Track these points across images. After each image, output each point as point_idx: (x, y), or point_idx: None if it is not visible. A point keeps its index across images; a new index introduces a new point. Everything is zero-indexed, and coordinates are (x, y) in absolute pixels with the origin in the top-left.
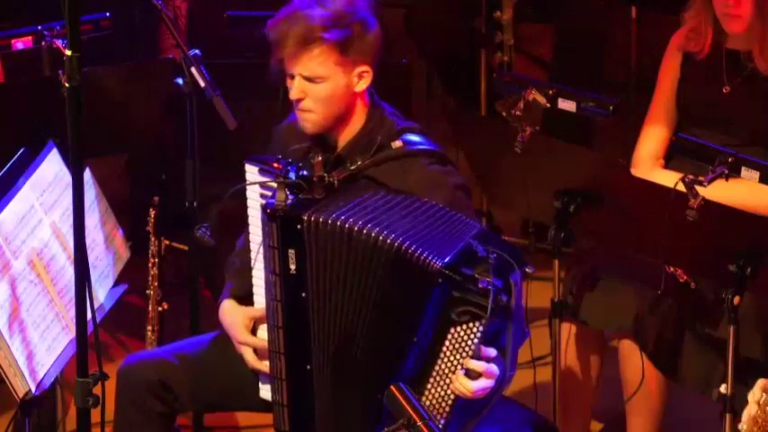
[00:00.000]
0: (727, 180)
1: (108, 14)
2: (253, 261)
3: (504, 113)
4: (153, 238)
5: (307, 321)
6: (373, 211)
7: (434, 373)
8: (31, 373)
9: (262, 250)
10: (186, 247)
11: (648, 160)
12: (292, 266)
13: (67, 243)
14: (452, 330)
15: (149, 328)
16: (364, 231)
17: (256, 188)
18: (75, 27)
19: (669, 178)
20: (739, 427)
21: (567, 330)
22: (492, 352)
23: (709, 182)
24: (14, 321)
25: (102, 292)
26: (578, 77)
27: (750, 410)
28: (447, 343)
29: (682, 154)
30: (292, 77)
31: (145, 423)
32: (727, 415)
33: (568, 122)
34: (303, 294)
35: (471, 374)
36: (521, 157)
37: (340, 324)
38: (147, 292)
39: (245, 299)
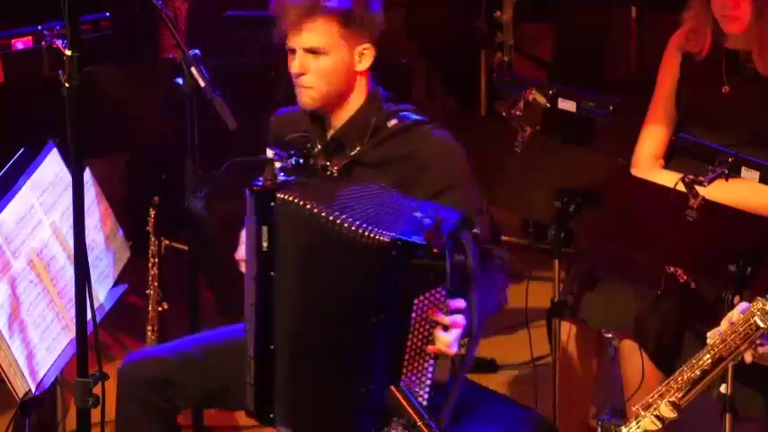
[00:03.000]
0: (727, 180)
1: (108, 14)
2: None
3: (504, 113)
4: (153, 238)
5: (272, 301)
6: (344, 199)
7: (408, 348)
8: (31, 373)
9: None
10: (186, 247)
11: (648, 160)
12: (264, 244)
13: (67, 243)
14: (416, 301)
15: (149, 328)
16: (322, 214)
17: None
18: (76, 27)
19: (669, 178)
20: (708, 340)
21: (567, 330)
22: (460, 303)
23: (710, 182)
24: (14, 321)
25: (102, 292)
26: (578, 77)
27: (721, 327)
28: (414, 315)
29: (682, 154)
30: (293, 53)
31: (147, 420)
32: (727, 415)
33: (568, 122)
34: (272, 273)
35: (443, 329)
36: (521, 157)
37: (301, 306)
38: (147, 292)
39: None
